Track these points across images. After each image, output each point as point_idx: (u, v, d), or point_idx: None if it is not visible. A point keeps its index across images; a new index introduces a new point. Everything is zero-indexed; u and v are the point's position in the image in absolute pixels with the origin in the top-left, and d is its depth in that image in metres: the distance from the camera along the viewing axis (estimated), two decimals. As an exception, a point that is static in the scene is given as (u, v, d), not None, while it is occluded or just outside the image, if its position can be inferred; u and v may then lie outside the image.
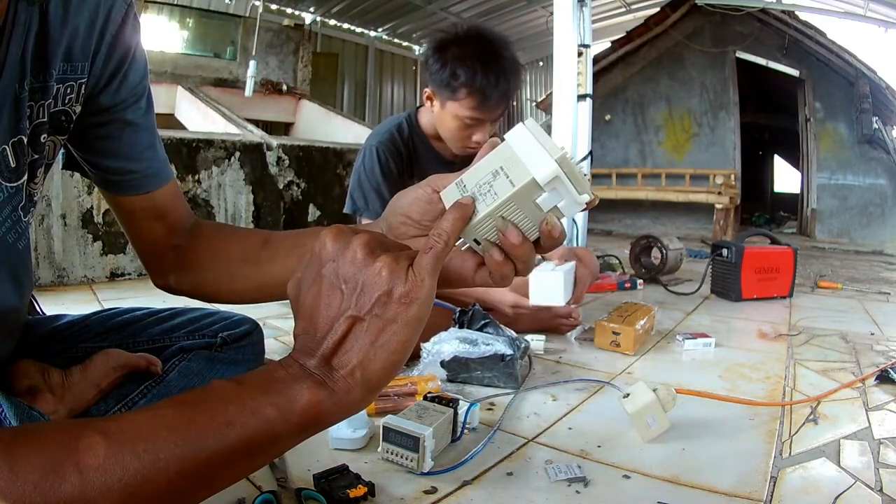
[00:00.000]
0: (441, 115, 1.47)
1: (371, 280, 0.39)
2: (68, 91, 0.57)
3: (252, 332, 0.99)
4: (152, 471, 0.34)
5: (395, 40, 8.64)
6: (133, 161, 0.64)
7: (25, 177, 0.56)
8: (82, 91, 0.58)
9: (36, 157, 0.57)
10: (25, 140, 0.54)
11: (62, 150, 0.64)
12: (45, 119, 0.56)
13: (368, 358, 0.39)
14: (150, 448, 0.35)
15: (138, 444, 0.34)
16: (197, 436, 0.36)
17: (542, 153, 0.40)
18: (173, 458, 0.35)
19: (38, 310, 0.94)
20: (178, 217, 0.70)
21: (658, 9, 5.75)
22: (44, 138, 0.57)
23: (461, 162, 1.67)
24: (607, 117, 6.01)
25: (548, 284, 1.39)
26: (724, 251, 2.29)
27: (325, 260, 0.41)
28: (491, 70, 1.37)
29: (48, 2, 0.52)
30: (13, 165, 0.53)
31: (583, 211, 0.43)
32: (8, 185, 0.54)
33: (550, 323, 1.57)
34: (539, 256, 1.52)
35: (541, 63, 9.73)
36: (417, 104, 1.69)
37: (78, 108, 0.59)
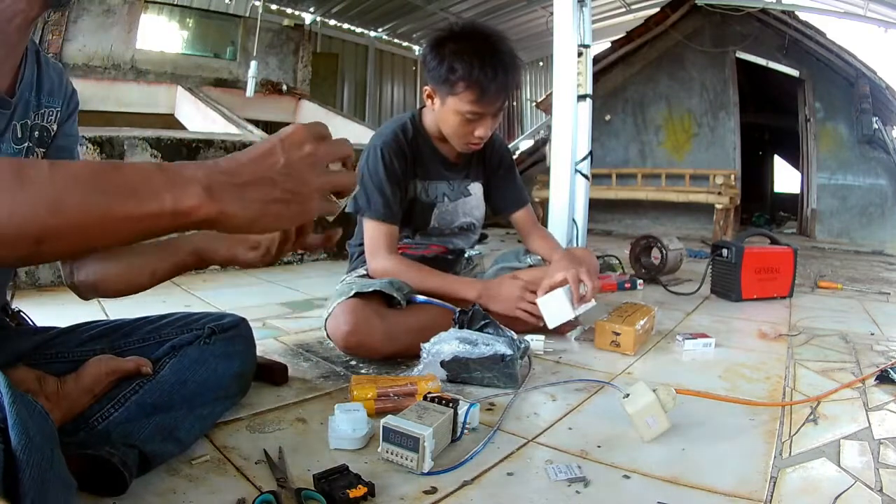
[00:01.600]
0: (442, 112, 1.47)
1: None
2: (49, 114, 0.85)
3: (239, 325, 1.03)
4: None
5: (395, 40, 8.64)
6: None
7: (25, 145, 0.80)
8: (57, 117, 0.86)
9: (28, 144, 0.81)
10: (29, 123, 0.80)
11: None
12: (37, 123, 0.82)
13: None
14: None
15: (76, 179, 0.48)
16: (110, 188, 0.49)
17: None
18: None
19: (29, 322, 0.96)
20: None
21: (658, 9, 5.73)
22: (37, 134, 0.82)
23: (464, 162, 1.67)
24: (607, 117, 6.00)
25: (553, 303, 1.43)
26: (724, 251, 2.29)
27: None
28: (488, 63, 1.37)
29: (40, 55, 0.82)
30: (19, 136, 0.79)
31: None
32: (15, 146, 0.79)
33: None
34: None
35: (541, 63, 9.73)
36: (418, 104, 1.69)
37: (54, 128, 0.86)
